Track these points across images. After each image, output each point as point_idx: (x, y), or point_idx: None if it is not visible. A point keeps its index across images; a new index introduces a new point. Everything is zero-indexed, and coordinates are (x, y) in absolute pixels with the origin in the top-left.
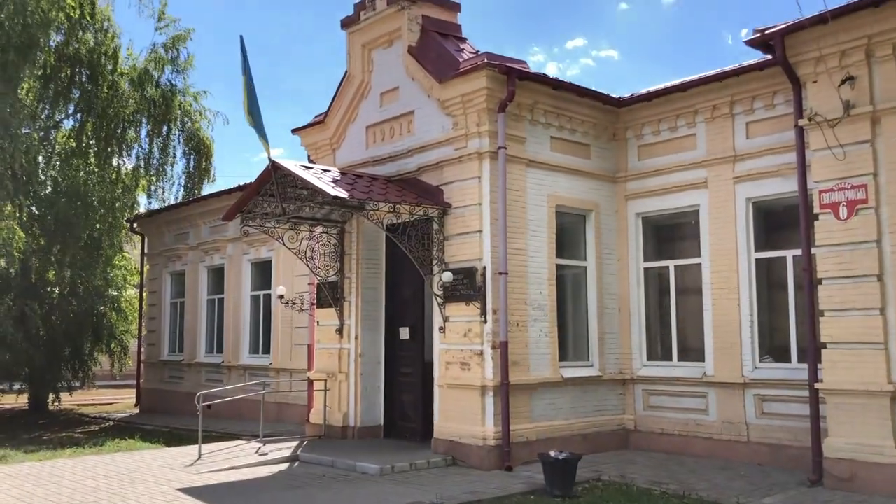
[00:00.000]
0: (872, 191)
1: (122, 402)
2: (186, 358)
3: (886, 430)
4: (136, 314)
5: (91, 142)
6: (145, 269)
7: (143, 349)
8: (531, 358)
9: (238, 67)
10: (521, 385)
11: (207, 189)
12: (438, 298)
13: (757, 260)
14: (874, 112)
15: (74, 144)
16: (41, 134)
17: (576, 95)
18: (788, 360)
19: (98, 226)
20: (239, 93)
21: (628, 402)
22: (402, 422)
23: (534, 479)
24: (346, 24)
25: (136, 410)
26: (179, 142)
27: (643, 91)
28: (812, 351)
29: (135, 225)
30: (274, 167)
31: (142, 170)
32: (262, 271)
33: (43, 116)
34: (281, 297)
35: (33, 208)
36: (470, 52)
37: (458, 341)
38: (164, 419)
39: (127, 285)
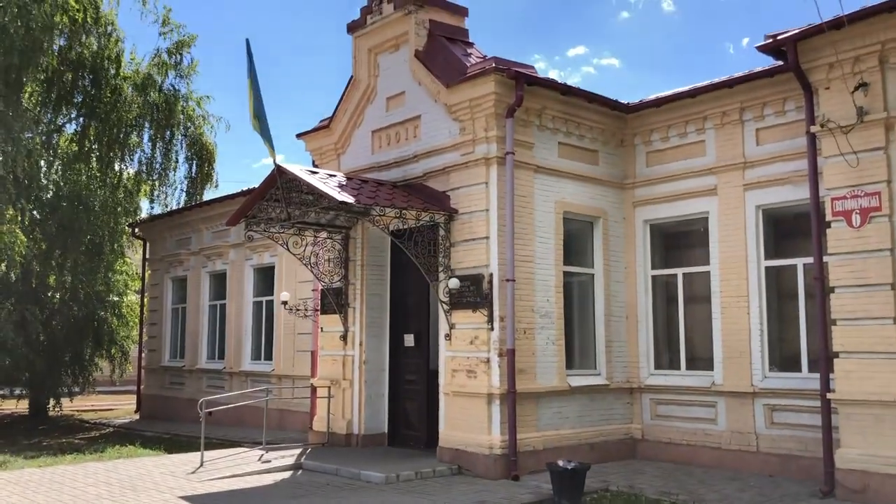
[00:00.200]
0: (886, 198)
1: (123, 408)
2: (187, 364)
3: None
4: (137, 320)
5: (93, 146)
6: (147, 275)
7: (143, 355)
8: (538, 366)
9: (244, 71)
10: (527, 393)
11: (209, 194)
12: (444, 305)
13: (767, 268)
14: (888, 118)
15: (77, 149)
16: (43, 138)
17: (584, 101)
18: (799, 369)
19: (100, 231)
20: (242, 98)
21: (635, 411)
22: (406, 430)
23: (541, 488)
24: (353, 28)
25: (137, 417)
26: (182, 147)
27: (652, 97)
28: (824, 360)
29: (136, 230)
30: (279, 172)
31: (144, 175)
32: (265, 277)
33: (45, 120)
34: (285, 303)
35: (35, 213)
36: (478, 57)
37: (464, 349)
38: (165, 426)
39: (128, 290)
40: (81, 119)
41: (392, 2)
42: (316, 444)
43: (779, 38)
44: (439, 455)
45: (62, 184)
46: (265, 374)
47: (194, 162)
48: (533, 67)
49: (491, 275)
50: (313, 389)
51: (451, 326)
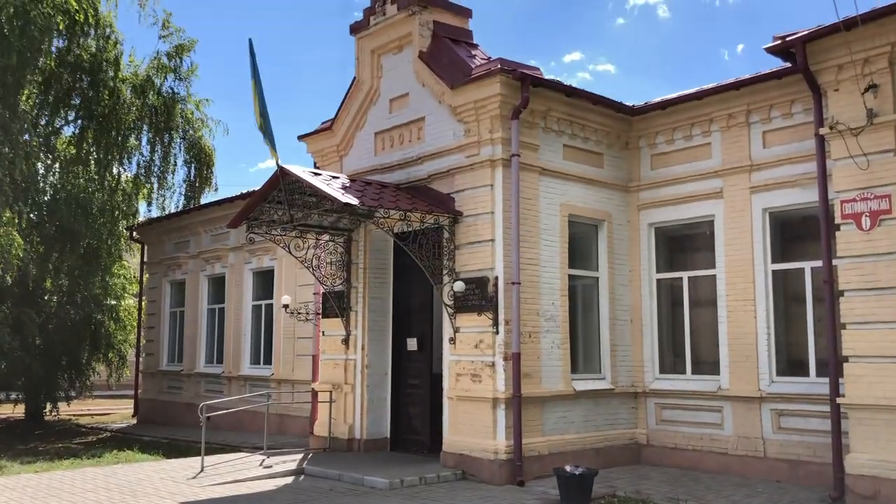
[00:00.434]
0: None
1: (119, 412)
2: (186, 368)
3: None
4: (134, 323)
5: (91, 149)
6: (145, 278)
7: (141, 359)
8: (543, 370)
9: (242, 75)
10: (533, 398)
11: (208, 198)
12: (449, 308)
13: (774, 271)
14: None
15: (74, 151)
16: (41, 140)
17: (589, 103)
18: (807, 373)
19: (98, 234)
20: (240, 101)
21: (640, 415)
22: (409, 434)
23: (547, 494)
24: (356, 29)
25: (134, 421)
26: (181, 150)
27: (657, 99)
28: (834, 364)
29: (134, 233)
30: (282, 173)
31: (142, 178)
32: (264, 281)
33: (43, 122)
34: (286, 306)
35: (32, 215)
36: (482, 59)
37: (468, 352)
38: (163, 430)
39: (126, 294)
40: (80, 121)
41: (396, 3)
42: (317, 449)
43: (788, 39)
44: (443, 460)
45: (60, 186)
46: (264, 378)
47: (193, 165)
48: (538, 69)
49: (496, 278)
50: (314, 394)
51: (456, 330)
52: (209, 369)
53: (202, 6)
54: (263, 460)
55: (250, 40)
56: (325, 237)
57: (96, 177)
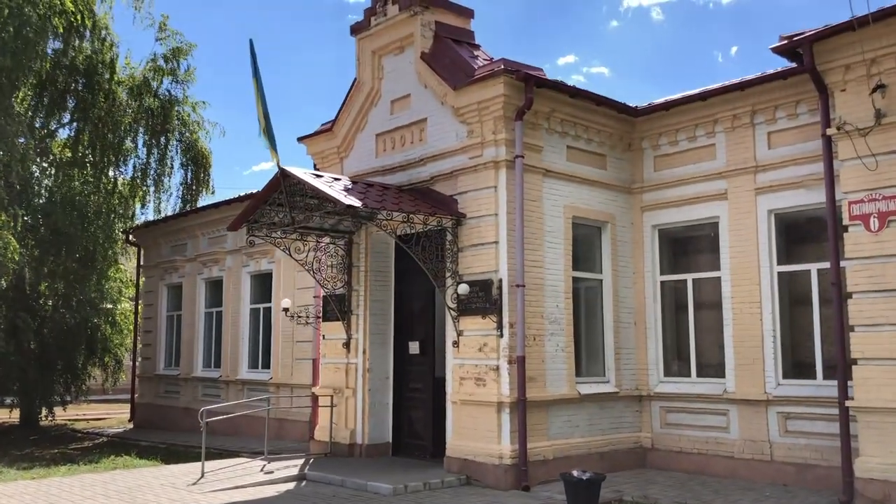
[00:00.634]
0: None
1: (116, 417)
2: (183, 372)
3: None
4: (130, 327)
5: (87, 151)
6: (141, 281)
7: (137, 363)
8: (547, 373)
9: (239, 77)
10: (537, 401)
11: (205, 200)
12: (452, 312)
13: (779, 273)
14: None
15: (70, 154)
16: (36, 143)
17: (592, 104)
18: (813, 376)
19: (93, 237)
20: (237, 103)
21: (645, 419)
22: (411, 439)
23: (553, 499)
24: (356, 30)
25: (131, 426)
26: (177, 152)
27: (661, 100)
28: (842, 367)
29: (131, 236)
30: (283, 175)
31: (139, 180)
32: (262, 284)
33: (38, 125)
34: (286, 310)
35: (28, 219)
36: (484, 59)
37: (472, 356)
38: (160, 435)
39: (122, 298)
40: (75, 124)
41: (397, 3)
42: (318, 454)
43: (795, 39)
44: (447, 465)
45: (55, 189)
46: (263, 382)
47: (190, 168)
48: (542, 69)
49: (500, 280)
50: (315, 398)
51: (459, 333)
52: (207, 373)
53: (197, 9)
54: (264, 466)
55: (251, 41)
56: (326, 240)
57: (92, 179)
